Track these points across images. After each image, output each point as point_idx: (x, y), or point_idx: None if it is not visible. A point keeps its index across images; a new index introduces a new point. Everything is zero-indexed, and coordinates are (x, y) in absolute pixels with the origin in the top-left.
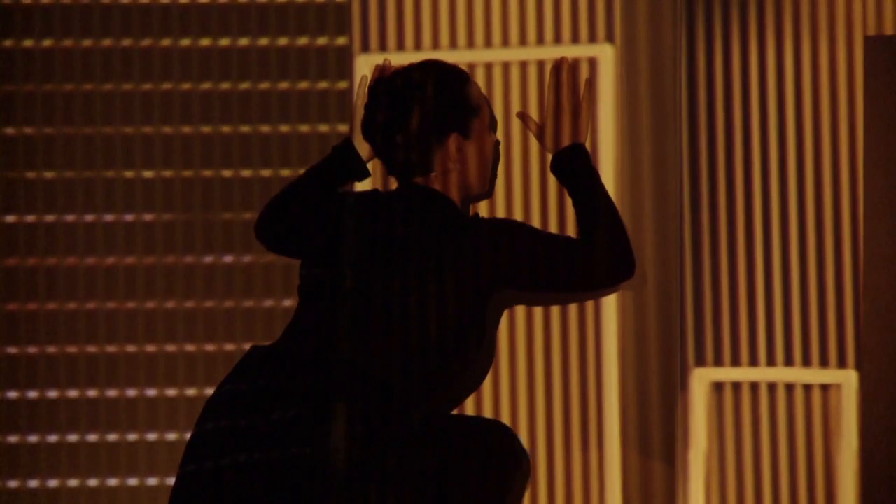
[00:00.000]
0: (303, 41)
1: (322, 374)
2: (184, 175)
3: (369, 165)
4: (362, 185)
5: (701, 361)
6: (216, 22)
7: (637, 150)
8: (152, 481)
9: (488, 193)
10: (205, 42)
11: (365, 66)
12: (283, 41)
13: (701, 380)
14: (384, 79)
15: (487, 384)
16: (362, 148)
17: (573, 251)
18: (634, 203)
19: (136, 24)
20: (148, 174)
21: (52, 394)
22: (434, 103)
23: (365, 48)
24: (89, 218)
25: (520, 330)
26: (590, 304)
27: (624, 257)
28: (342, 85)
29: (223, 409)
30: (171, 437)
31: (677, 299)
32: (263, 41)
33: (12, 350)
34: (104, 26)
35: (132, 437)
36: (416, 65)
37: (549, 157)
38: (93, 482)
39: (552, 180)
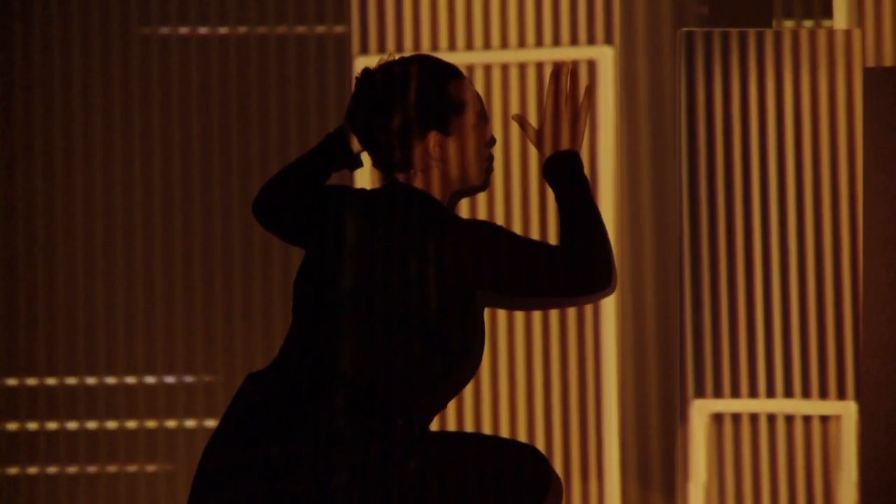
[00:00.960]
0: (301, 29)
1: (321, 399)
2: (183, 192)
3: (363, 155)
4: (359, 173)
5: (700, 393)
6: (216, 54)
7: (636, 169)
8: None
9: (483, 186)
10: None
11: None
12: (281, 28)
13: (700, 411)
14: (370, 71)
15: (486, 414)
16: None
17: (549, 256)
18: (634, 239)
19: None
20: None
21: (52, 425)
22: (414, 99)
23: (364, 50)
24: (87, 239)
25: (519, 361)
26: (589, 335)
27: (602, 267)
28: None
29: (223, 451)
30: (170, 468)
31: (677, 331)
32: (261, 29)
33: (12, 382)
34: (103, 28)
35: (132, 468)
36: (403, 59)
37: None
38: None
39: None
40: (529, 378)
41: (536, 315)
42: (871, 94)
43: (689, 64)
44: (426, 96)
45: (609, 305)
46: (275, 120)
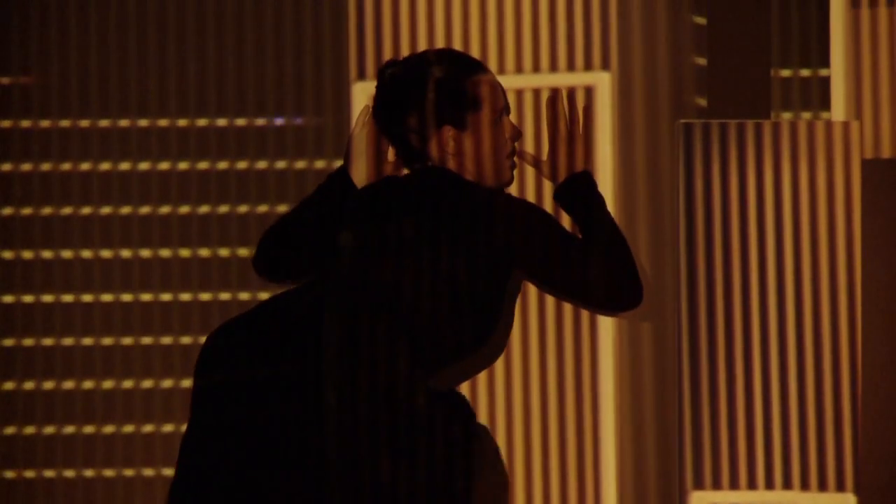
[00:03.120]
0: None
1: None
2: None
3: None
4: None
5: (699, 484)
6: (213, 61)
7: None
8: (148, 472)
9: (507, 182)
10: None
11: (362, 93)
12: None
13: (699, 503)
14: (391, 63)
15: None
16: (358, 173)
17: (587, 253)
18: (631, 330)
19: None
20: (145, 210)
21: (49, 385)
22: (431, 94)
23: (361, 76)
24: (85, 211)
25: (518, 453)
26: (588, 426)
27: (632, 279)
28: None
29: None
30: (168, 429)
31: (675, 421)
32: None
33: (8, 342)
34: (100, 21)
35: (128, 428)
36: (424, 53)
37: (552, 186)
38: (88, 473)
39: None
40: (528, 472)
41: (535, 407)
42: (869, 186)
43: (687, 155)
44: (442, 91)
45: (607, 397)
46: (272, 154)
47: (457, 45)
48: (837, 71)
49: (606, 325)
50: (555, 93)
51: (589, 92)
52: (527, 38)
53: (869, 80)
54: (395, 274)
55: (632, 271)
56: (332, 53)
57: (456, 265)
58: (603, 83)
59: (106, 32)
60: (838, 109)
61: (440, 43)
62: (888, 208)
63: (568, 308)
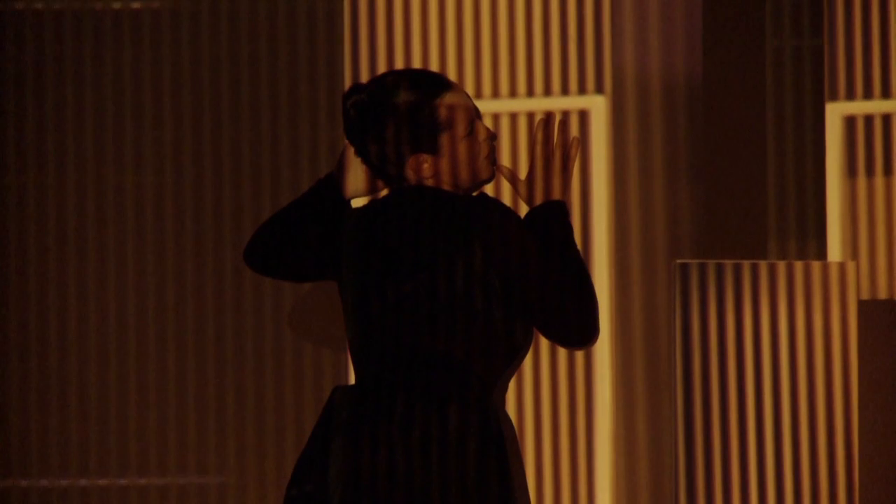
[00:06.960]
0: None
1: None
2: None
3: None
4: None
5: None
6: (206, 27)
7: (631, 399)
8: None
9: (488, 180)
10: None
11: None
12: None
13: None
14: (357, 88)
15: None
16: (353, 181)
17: (549, 280)
18: (629, 469)
19: (127, 32)
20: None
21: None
22: (397, 123)
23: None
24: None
25: None
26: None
27: (587, 315)
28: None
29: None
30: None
31: None
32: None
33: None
34: (96, 31)
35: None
36: (384, 78)
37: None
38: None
39: None
40: None
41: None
42: (866, 327)
43: (683, 295)
44: (409, 119)
45: None
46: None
47: (451, 70)
48: (833, 212)
49: (604, 450)
50: (549, 115)
51: (583, 116)
52: (521, 61)
53: (865, 221)
54: (435, 311)
55: (587, 307)
56: (327, 73)
57: (473, 282)
58: (597, 107)
59: (103, 46)
60: (835, 250)
61: (434, 66)
62: (885, 349)
63: (564, 379)
